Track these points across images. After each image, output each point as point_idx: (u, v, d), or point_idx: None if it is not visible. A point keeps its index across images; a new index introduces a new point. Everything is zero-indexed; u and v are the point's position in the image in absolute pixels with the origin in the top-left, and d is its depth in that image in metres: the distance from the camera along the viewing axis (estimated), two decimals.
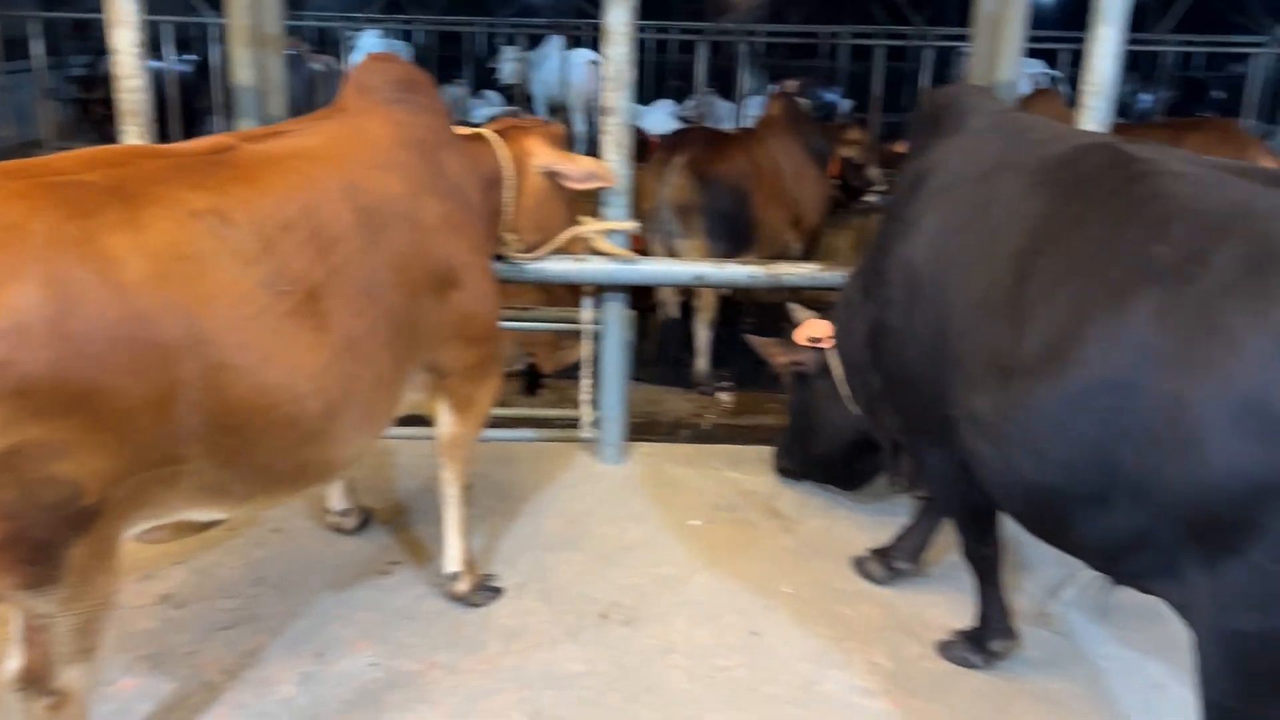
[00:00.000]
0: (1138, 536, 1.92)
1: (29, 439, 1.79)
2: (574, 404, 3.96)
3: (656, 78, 12.88)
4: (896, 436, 2.95)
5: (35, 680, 2.00)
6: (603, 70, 3.45)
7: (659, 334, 6.58)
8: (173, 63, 9.47)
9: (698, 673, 2.76)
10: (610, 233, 3.56)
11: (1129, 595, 2.44)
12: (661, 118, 11.04)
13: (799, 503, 3.66)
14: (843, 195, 7.31)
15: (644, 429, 5.41)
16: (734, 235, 5.98)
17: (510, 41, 12.27)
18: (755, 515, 3.56)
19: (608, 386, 3.82)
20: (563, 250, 3.42)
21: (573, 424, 3.97)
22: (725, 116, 10.74)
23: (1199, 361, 1.75)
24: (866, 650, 2.86)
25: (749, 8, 11.11)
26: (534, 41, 12.22)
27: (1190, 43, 11.49)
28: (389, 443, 3.93)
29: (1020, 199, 2.28)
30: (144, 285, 1.94)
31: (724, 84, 11.19)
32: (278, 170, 2.33)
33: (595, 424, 3.89)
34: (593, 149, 3.58)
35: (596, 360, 3.87)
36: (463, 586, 2.99)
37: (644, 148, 8.46)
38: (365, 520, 3.37)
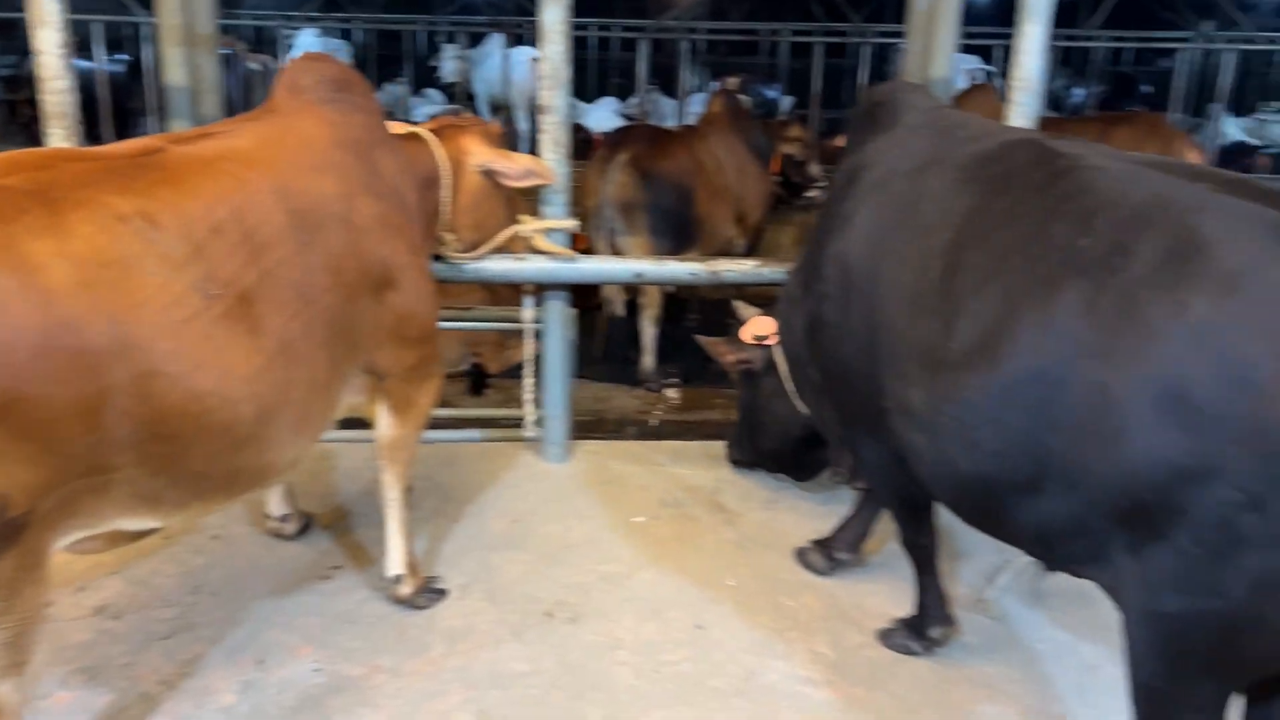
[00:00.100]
0: (1068, 523, 1.96)
1: None
2: (520, 404, 3.95)
3: (599, 75, 12.88)
4: (836, 429, 2.99)
5: None
6: (539, 69, 3.45)
7: (605, 332, 6.59)
8: (104, 63, 9.26)
9: (643, 668, 2.78)
10: (550, 231, 3.55)
11: (1062, 580, 2.51)
12: (605, 115, 11.05)
13: (742, 496, 3.70)
14: (784, 192, 7.37)
15: (591, 427, 5.41)
16: (677, 232, 6.01)
17: (451, 39, 12.18)
18: (699, 510, 3.59)
19: (550, 385, 3.82)
20: (503, 249, 3.41)
21: (517, 424, 3.96)
22: (669, 114, 10.78)
23: (1123, 351, 1.79)
24: (809, 640, 2.90)
25: (690, 5, 11.16)
26: (475, 39, 12.15)
27: (1120, 38, 11.74)
28: (329, 446, 3.89)
29: (949, 194, 2.32)
30: (68, 291, 1.90)
31: (667, 81, 11.23)
32: (207, 172, 2.29)
33: (539, 423, 3.88)
34: (536, 147, 3.57)
35: (539, 359, 3.87)
36: (406, 589, 2.97)
37: (588, 145, 8.48)
38: (306, 525, 3.34)
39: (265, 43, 11.97)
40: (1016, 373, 1.95)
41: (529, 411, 3.86)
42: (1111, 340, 1.81)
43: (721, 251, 6.27)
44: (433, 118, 3.49)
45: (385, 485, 2.93)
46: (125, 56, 10.03)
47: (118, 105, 8.99)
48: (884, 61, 11.65)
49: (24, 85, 8.93)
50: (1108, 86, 12.50)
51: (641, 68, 9.94)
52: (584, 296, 6.81)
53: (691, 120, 7.95)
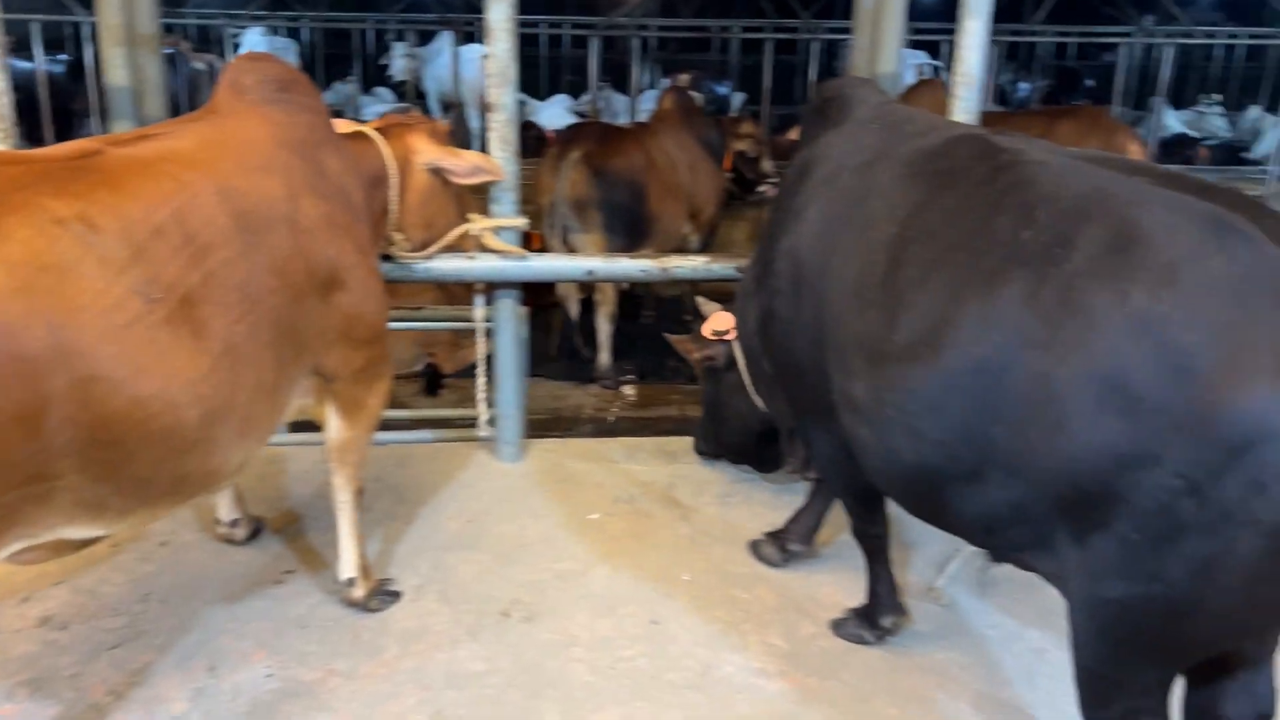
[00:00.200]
0: (1012, 512, 1.98)
1: None
2: (474, 404, 3.94)
3: (551, 73, 12.85)
4: (789, 421, 3.02)
5: None
6: (486, 67, 3.44)
7: (561, 330, 6.58)
8: (43, 63, 9.07)
9: (599, 665, 2.78)
10: (500, 229, 3.54)
11: (1009, 568, 2.55)
12: (557, 113, 11.04)
13: (696, 491, 3.72)
14: (737, 188, 7.41)
15: (547, 425, 5.41)
16: (631, 229, 6.01)
17: (400, 37, 12.09)
18: (653, 506, 3.61)
19: (503, 384, 3.81)
20: (453, 248, 3.40)
21: (471, 424, 3.95)
22: (621, 111, 10.79)
23: (1064, 341, 1.80)
24: (763, 632, 2.92)
25: (640, 2, 11.16)
26: (425, 37, 12.07)
27: (1064, 33, 11.93)
28: (280, 449, 3.86)
29: (894, 189, 2.34)
30: (5, 297, 1.87)
31: (619, 78, 11.24)
32: (147, 174, 2.26)
33: (492, 422, 3.87)
34: (487, 145, 3.56)
35: (492, 358, 3.86)
36: (359, 592, 2.96)
37: (541, 143, 8.46)
38: (257, 530, 3.31)
39: (211, 42, 11.78)
40: (959, 363, 1.96)
41: (482, 411, 3.85)
42: (1053, 330, 1.82)
43: (676, 248, 6.29)
44: (381, 116, 3.47)
45: (336, 488, 2.91)
46: (65, 57, 9.84)
47: (58, 107, 8.81)
48: (833, 58, 11.74)
49: None
50: (1052, 81, 12.70)
51: (593, 65, 9.93)
52: (540, 295, 6.83)
53: (644, 117, 7.96)
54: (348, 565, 2.95)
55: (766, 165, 7.58)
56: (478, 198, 3.60)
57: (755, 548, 3.30)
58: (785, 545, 3.25)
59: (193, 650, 2.78)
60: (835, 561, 3.26)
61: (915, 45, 11.30)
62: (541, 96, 11.99)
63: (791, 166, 2.87)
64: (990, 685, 2.74)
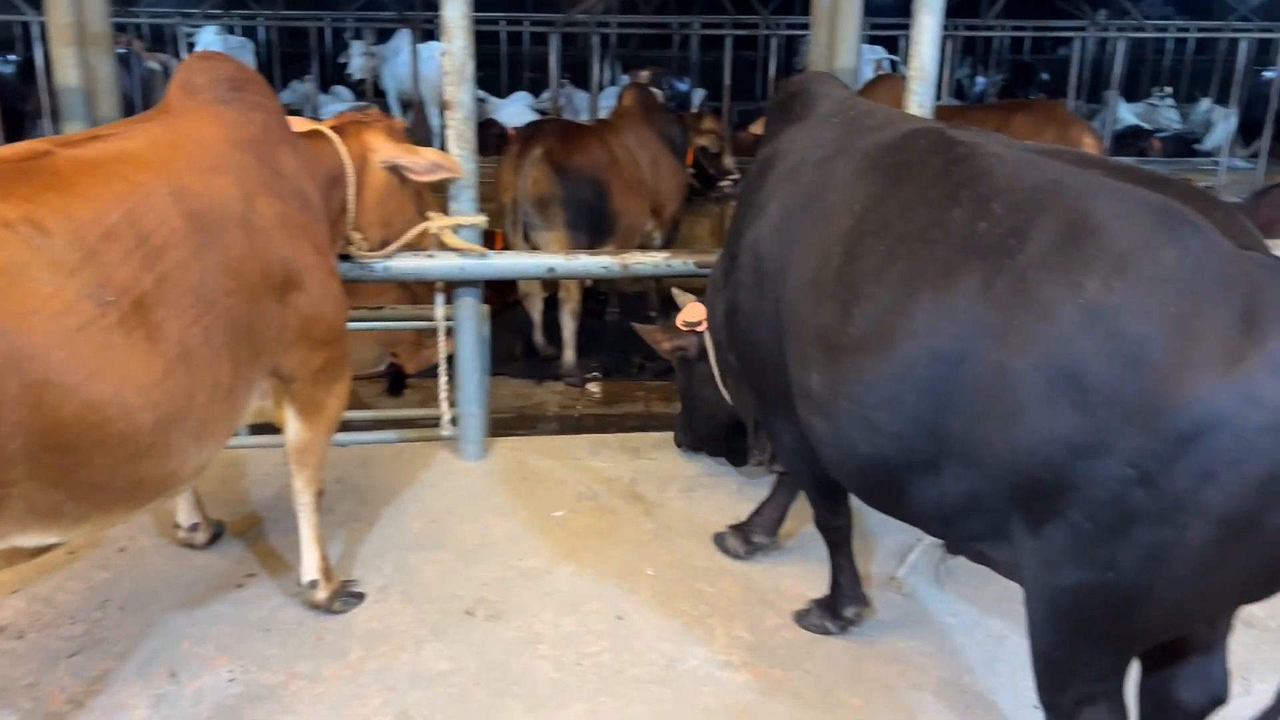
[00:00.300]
0: (968, 503, 1.99)
1: None
2: (437, 403, 3.92)
3: (511, 70, 12.81)
4: (754, 413, 3.04)
5: None
6: (444, 64, 3.43)
7: (524, 328, 6.57)
8: None
9: (564, 661, 2.79)
10: (460, 227, 3.53)
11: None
12: (518, 110, 11.01)
13: (660, 486, 3.73)
14: (699, 184, 7.43)
15: (512, 424, 5.41)
16: (593, 226, 6.02)
17: (358, 36, 11.99)
18: (617, 502, 3.61)
19: (465, 382, 3.80)
20: (413, 246, 3.39)
21: (434, 423, 3.93)
22: (583, 108, 10.77)
23: (1018, 331, 1.81)
24: (727, 625, 2.94)
25: None
26: (383, 35, 11.98)
27: (1019, 28, 12.07)
28: (240, 452, 3.82)
29: (852, 182, 2.35)
30: None
31: (580, 75, 11.22)
32: (97, 176, 2.23)
33: (454, 421, 3.86)
34: (446, 143, 3.55)
35: (454, 357, 3.84)
36: (322, 594, 2.94)
37: (502, 140, 8.43)
38: (217, 534, 3.27)
39: (166, 41, 11.62)
40: (914, 354, 1.97)
41: (445, 410, 3.83)
42: (1007, 321, 1.83)
43: (640, 245, 6.30)
44: (337, 115, 3.44)
45: (296, 490, 2.89)
46: (14, 57, 9.66)
47: (8, 108, 8.65)
48: (793, 54, 11.80)
49: None
50: (1008, 75, 12.84)
51: (553, 62, 9.91)
52: (504, 293, 6.82)
53: (605, 114, 7.96)
54: (310, 567, 2.94)
55: (728, 161, 7.61)
56: (438, 196, 3.59)
57: (719, 540, 3.31)
58: (750, 538, 3.27)
59: (153, 656, 2.75)
60: (799, 553, 3.28)
61: (873, 40, 11.39)
62: (502, 94, 11.95)
63: (755, 161, 2.89)
64: (952, 672, 2.78)
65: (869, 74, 10.30)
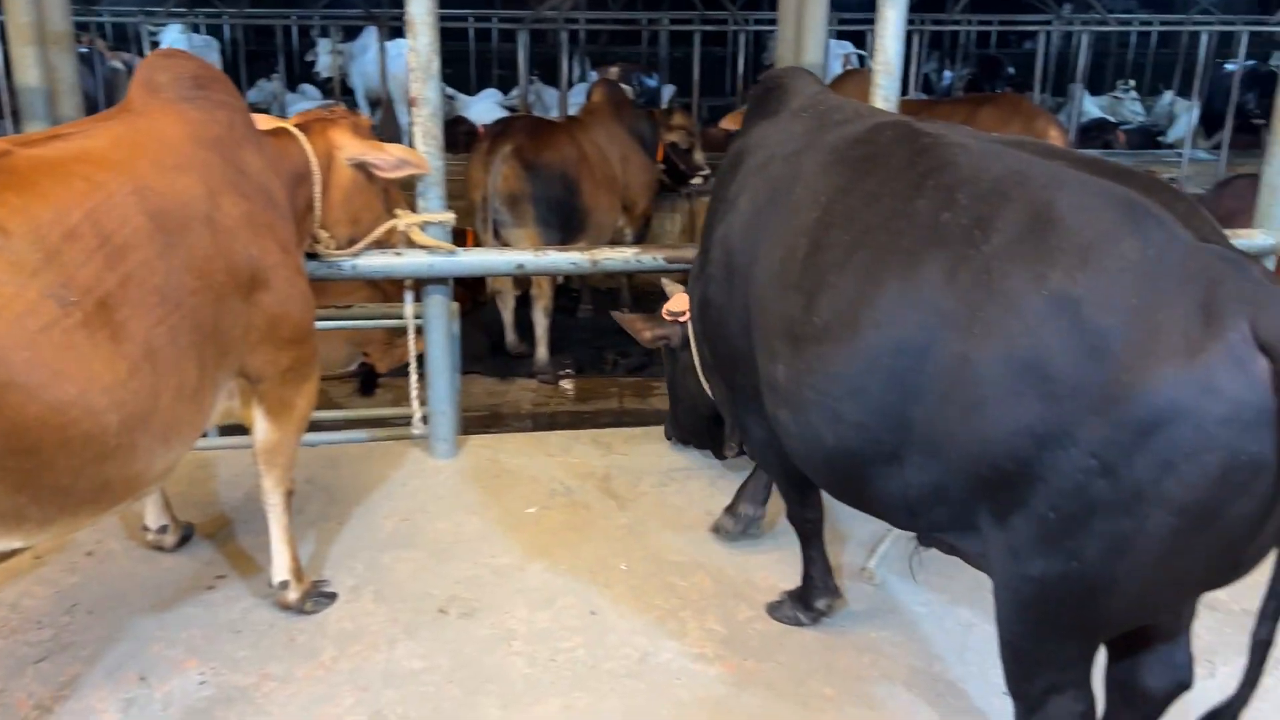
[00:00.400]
0: (932, 493, 2.00)
1: None
2: (409, 402, 3.90)
3: (480, 67, 12.76)
4: (728, 406, 3.05)
5: None
6: (409, 61, 3.41)
7: (494, 326, 6.56)
8: None
9: (538, 657, 2.79)
10: (428, 224, 3.52)
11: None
12: (487, 107, 10.98)
13: (633, 481, 3.73)
14: (670, 180, 7.44)
15: (486, 422, 5.40)
16: (564, 223, 6.02)
17: (325, 34, 11.89)
18: (590, 497, 3.61)
19: (435, 380, 3.78)
20: (381, 244, 3.37)
21: (405, 422, 3.91)
22: (553, 104, 10.75)
23: (983, 322, 1.82)
24: (700, 618, 2.95)
25: None
26: (351, 33, 11.90)
27: (985, 22, 12.15)
28: (209, 454, 3.79)
29: (819, 175, 2.35)
30: None
31: (549, 72, 11.19)
32: (57, 175, 2.20)
33: (426, 420, 3.84)
34: (413, 139, 3.53)
35: (424, 355, 3.83)
36: (293, 595, 2.92)
37: (472, 138, 8.40)
38: (187, 536, 3.25)
39: (129, 40, 11.47)
40: (878, 344, 1.98)
41: (416, 409, 3.81)
42: (972, 312, 1.84)
43: (611, 241, 6.30)
44: (302, 112, 3.42)
45: (265, 490, 2.87)
46: None
47: None
48: (762, 50, 11.83)
49: None
50: (975, 69, 12.94)
51: (522, 59, 9.88)
52: (476, 290, 6.80)
53: (575, 111, 7.95)
54: (280, 568, 2.92)
55: (699, 157, 7.63)
56: (408, 195, 3.57)
57: (715, 528, 3.35)
58: (737, 511, 3.29)
59: (122, 660, 2.72)
60: (771, 546, 3.30)
61: (841, 36, 11.44)
62: (471, 91, 11.90)
63: (727, 156, 2.90)
64: (923, 661, 2.80)
65: (837, 69, 10.35)
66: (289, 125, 3.02)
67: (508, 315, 6.47)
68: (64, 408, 2.05)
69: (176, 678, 2.67)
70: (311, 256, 3.23)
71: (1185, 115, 10.73)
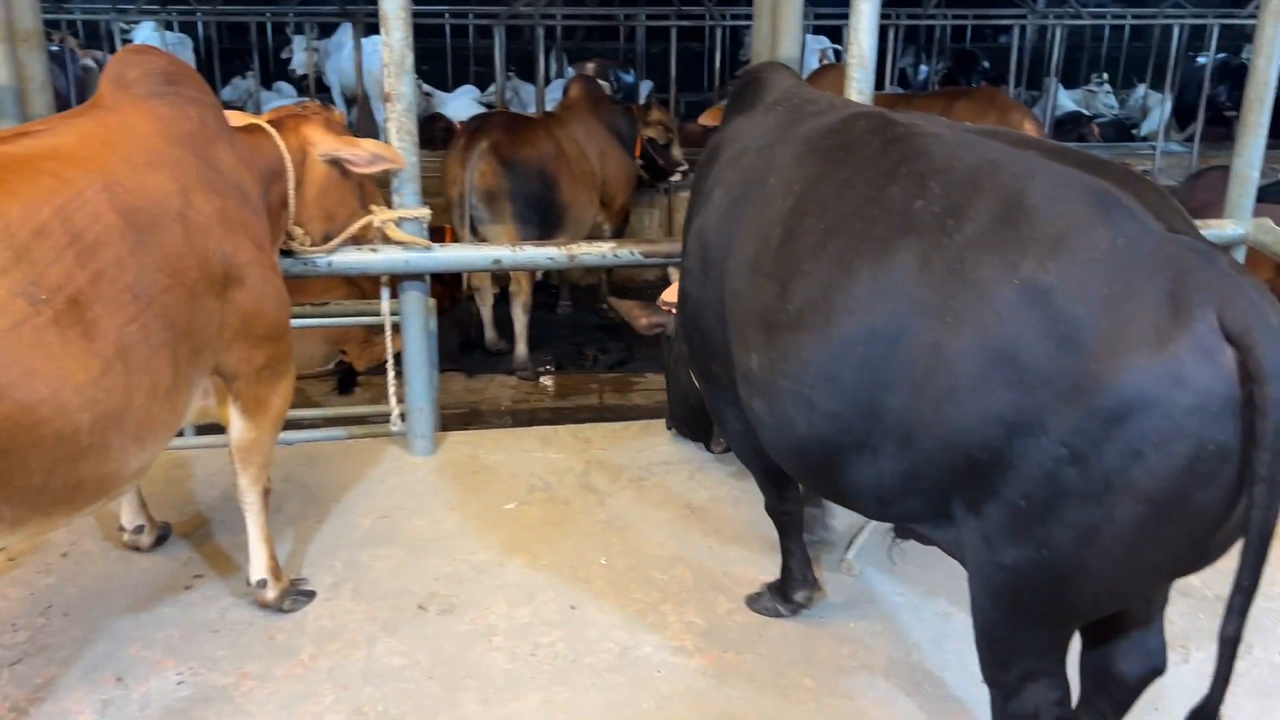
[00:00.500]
0: (905, 483, 2.01)
1: None
2: (387, 400, 3.89)
3: (456, 64, 12.70)
4: (707, 398, 3.05)
5: None
6: (383, 56, 3.39)
7: (469, 323, 6.54)
8: None
9: (518, 652, 2.79)
10: (404, 220, 3.50)
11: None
12: (465, 103, 10.93)
13: (612, 476, 3.73)
14: (648, 175, 7.43)
15: (465, 420, 5.39)
16: (543, 219, 6.01)
17: (300, 30, 11.81)
18: (569, 493, 3.61)
19: (413, 377, 3.77)
20: (358, 240, 3.36)
21: (384, 420, 3.90)
22: (530, 101, 10.71)
23: (955, 311, 1.83)
24: (680, 611, 2.96)
25: None
26: (326, 30, 11.82)
27: (960, 17, 12.20)
28: (186, 453, 3.77)
29: (792, 166, 2.35)
30: None
31: (526, 68, 11.15)
32: (26, 173, 2.18)
33: (404, 417, 3.83)
34: (387, 135, 3.51)
35: (401, 352, 3.81)
36: (271, 594, 2.91)
37: (450, 134, 8.36)
38: (163, 535, 3.22)
39: (102, 38, 11.35)
40: (851, 331, 1.98)
41: (394, 406, 3.80)
42: (944, 301, 1.85)
43: (590, 237, 6.29)
44: (275, 109, 3.40)
45: (242, 489, 2.85)
46: None
47: None
48: (739, 45, 11.84)
49: None
50: (951, 63, 13.00)
51: (499, 55, 9.84)
52: (453, 288, 6.78)
53: (552, 107, 7.94)
54: (258, 567, 2.90)
55: (676, 152, 7.62)
56: (384, 191, 3.56)
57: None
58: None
59: (99, 661, 2.71)
60: (749, 538, 3.31)
61: (817, 31, 11.46)
62: (448, 88, 11.84)
63: (705, 150, 2.91)
64: (901, 651, 2.82)
65: (814, 64, 10.38)
66: (262, 121, 3.01)
67: (487, 312, 6.46)
68: (35, 407, 2.04)
69: (154, 678, 2.66)
70: (286, 253, 3.22)
71: (1158, 108, 10.82)
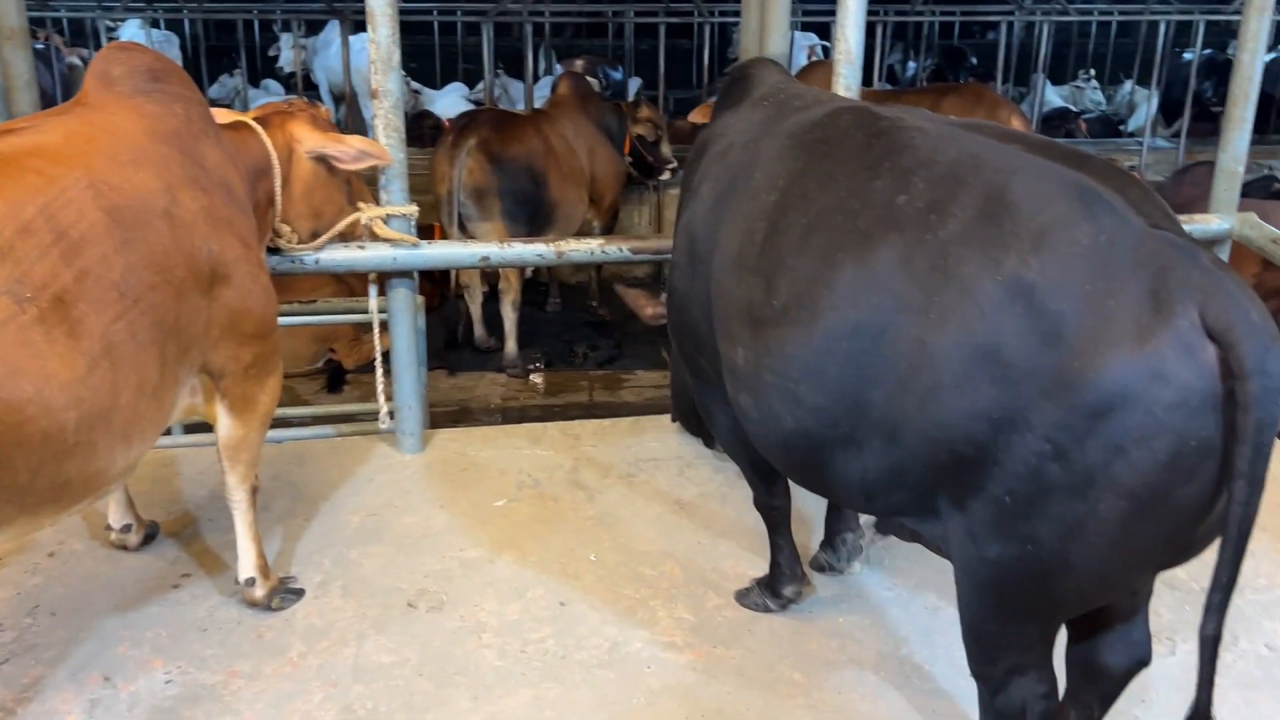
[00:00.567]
0: (890, 478, 2.01)
1: None
2: (375, 397, 3.88)
3: (445, 61, 12.67)
4: (696, 393, 3.05)
5: None
6: (370, 53, 3.39)
7: (458, 322, 6.54)
8: None
9: (508, 649, 2.79)
10: (390, 217, 3.49)
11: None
12: (454, 101, 10.90)
13: (601, 473, 3.73)
14: (638, 173, 7.44)
15: (456, 418, 5.38)
16: (532, 216, 6.01)
17: (287, 28, 11.76)
18: (558, 489, 3.61)
19: (401, 374, 3.76)
20: (346, 237, 3.35)
21: (372, 418, 3.89)
22: (520, 98, 10.69)
23: (938, 307, 1.84)
24: (670, 607, 2.96)
25: None
26: (314, 27, 11.77)
27: (949, 13, 12.22)
28: (173, 452, 3.75)
29: (777, 160, 2.35)
30: None
31: (514, 65, 11.12)
32: (9, 170, 2.18)
33: (392, 415, 3.82)
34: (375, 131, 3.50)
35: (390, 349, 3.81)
36: (259, 592, 2.90)
37: (439, 132, 8.34)
38: (151, 535, 3.21)
39: (88, 36, 11.29)
40: (835, 326, 1.98)
41: (382, 404, 3.79)
42: (928, 297, 1.85)
43: (579, 234, 6.29)
44: (261, 105, 3.39)
45: (230, 487, 2.84)
46: None
47: None
48: (727, 42, 11.83)
49: None
50: (938, 60, 13.01)
51: (487, 52, 9.81)
52: (442, 287, 6.77)
53: (541, 104, 7.93)
54: (246, 565, 2.90)
55: (666, 150, 7.62)
56: (372, 189, 3.55)
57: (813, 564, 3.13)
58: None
59: (87, 661, 2.70)
60: (739, 534, 3.31)
61: (806, 27, 11.47)
62: (437, 86, 11.80)
63: (694, 146, 2.91)
64: (890, 645, 2.83)
65: (802, 61, 10.39)
66: (247, 119, 3.00)
67: (476, 310, 6.45)
68: (20, 405, 2.03)
69: (142, 677, 2.65)
70: (274, 251, 3.21)
71: (1144, 104, 10.86)
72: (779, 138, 2.43)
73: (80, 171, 2.28)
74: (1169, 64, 10.56)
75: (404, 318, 3.70)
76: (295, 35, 11.31)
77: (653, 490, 3.62)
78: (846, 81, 3.47)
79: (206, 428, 2.85)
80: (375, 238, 3.47)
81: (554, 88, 7.31)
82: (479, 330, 6.49)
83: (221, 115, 2.94)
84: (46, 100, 6.78)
